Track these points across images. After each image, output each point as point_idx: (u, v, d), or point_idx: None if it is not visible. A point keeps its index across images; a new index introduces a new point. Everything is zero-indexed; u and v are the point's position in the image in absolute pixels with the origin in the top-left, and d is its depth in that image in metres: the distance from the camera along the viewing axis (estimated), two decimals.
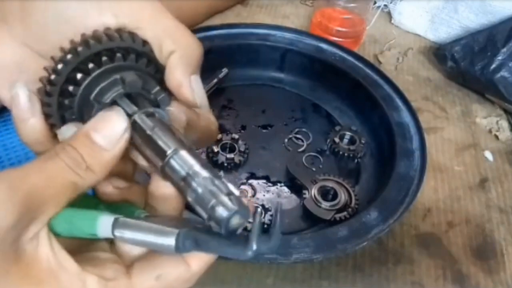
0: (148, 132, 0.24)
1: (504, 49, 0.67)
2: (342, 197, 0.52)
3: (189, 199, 0.23)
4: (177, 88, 0.27)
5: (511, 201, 0.58)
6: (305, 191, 0.52)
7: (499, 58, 0.67)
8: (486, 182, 0.60)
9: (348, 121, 0.64)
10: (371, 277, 0.49)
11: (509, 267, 0.51)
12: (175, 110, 0.27)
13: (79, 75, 0.25)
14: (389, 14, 0.87)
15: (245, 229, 0.23)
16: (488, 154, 0.64)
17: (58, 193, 0.22)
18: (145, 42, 0.27)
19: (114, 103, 0.26)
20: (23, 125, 0.26)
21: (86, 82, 0.25)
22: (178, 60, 0.27)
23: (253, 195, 0.54)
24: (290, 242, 0.43)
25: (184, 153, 0.23)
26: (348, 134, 0.60)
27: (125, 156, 0.26)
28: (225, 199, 0.22)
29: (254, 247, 0.22)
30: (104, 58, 0.25)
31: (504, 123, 0.69)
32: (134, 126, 0.25)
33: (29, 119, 0.25)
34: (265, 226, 0.49)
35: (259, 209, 0.24)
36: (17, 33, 0.27)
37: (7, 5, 0.26)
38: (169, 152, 0.23)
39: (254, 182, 0.55)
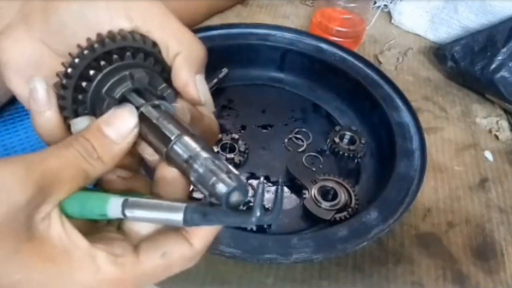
0: (154, 121, 0.26)
1: (504, 49, 0.67)
2: (342, 197, 0.52)
3: (192, 179, 0.25)
4: (183, 87, 0.29)
5: (511, 201, 0.58)
6: (305, 191, 0.52)
7: (499, 58, 0.67)
8: (486, 182, 0.60)
9: (348, 121, 0.64)
10: (371, 277, 0.49)
11: (509, 267, 0.51)
12: (179, 106, 0.29)
13: (91, 72, 0.27)
14: (389, 14, 0.87)
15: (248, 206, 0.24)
16: (488, 154, 0.64)
17: (70, 178, 0.24)
18: (154, 44, 0.29)
19: (123, 97, 0.28)
20: (40, 116, 0.27)
21: (98, 78, 0.27)
22: (183, 61, 0.29)
23: (253, 195, 0.54)
24: (290, 242, 0.43)
25: (187, 139, 0.25)
26: (348, 134, 0.60)
27: (132, 150, 0.28)
28: (224, 176, 0.23)
29: (258, 213, 0.23)
30: (115, 56, 0.27)
31: (504, 123, 0.69)
32: (141, 117, 0.27)
33: (46, 111, 0.27)
34: (265, 226, 0.49)
35: (261, 179, 0.25)
36: (36, 32, 0.28)
37: (30, 5, 0.28)
38: (173, 137, 0.25)
39: (254, 182, 0.55)
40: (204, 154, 0.24)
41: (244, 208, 0.24)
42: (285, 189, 0.55)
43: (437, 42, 0.82)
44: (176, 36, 0.29)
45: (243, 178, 0.24)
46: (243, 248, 0.43)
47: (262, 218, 0.23)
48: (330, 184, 0.53)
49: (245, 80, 0.67)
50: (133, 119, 0.26)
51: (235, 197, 0.23)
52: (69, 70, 0.27)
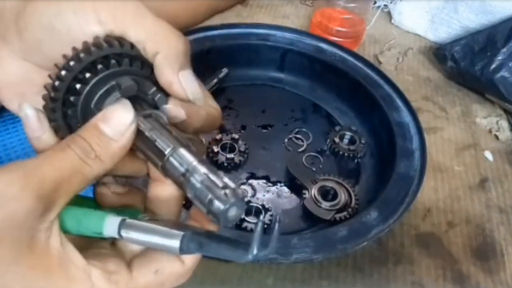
0: (147, 133, 0.26)
1: (504, 49, 0.67)
2: (342, 197, 0.52)
3: (189, 195, 0.24)
4: (169, 87, 0.29)
5: (511, 201, 0.58)
6: (305, 191, 0.52)
7: (499, 58, 0.67)
8: (486, 182, 0.60)
9: (348, 121, 0.64)
10: (371, 277, 0.49)
11: (509, 267, 0.51)
12: (172, 107, 0.28)
13: (78, 85, 0.26)
14: (389, 14, 0.87)
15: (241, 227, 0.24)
16: (488, 154, 0.64)
17: (68, 182, 0.24)
18: (133, 46, 0.28)
19: None
20: (37, 141, 0.28)
21: (85, 91, 0.27)
22: (163, 61, 0.28)
23: (253, 195, 0.54)
24: (290, 242, 0.43)
25: (182, 151, 0.25)
26: (348, 134, 0.60)
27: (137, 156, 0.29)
28: (221, 193, 0.23)
29: (255, 251, 0.23)
30: (99, 66, 0.27)
31: (504, 123, 0.69)
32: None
33: (42, 135, 0.27)
34: (265, 226, 0.49)
35: (261, 217, 0.25)
36: (16, 49, 0.28)
37: (4, 26, 0.28)
38: (167, 151, 0.25)
39: (254, 182, 0.55)
40: (201, 168, 0.24)
41: (243, 238, 0.25)
42: (285, 189, 0.55)
43: (437, 42, 0.82)
44: (151, 36, 0.28)
45: (240, 191, 0.24)
46: None
47: (258, 254, 0.23)
48: (330, 184, 0.53)
49: (245, 80, 0.67)
50: (129, 113, 0.26)
51: (232, 213, 0.23)
52: (52, 94, 0.26)
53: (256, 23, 0.69)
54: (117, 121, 0.26)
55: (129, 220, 0.25)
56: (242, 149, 0.57)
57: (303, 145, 0.60)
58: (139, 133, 0.26)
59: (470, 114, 0.70)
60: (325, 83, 0.66)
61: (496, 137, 0.67)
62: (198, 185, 0.24)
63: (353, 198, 0.52)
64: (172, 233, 0.24)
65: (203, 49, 0.61)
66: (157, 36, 0.28)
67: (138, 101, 0.27)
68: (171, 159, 0.25)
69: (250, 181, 0.55)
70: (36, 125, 0.27)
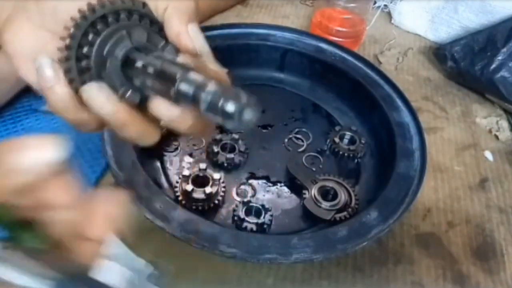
0: (158, 67, 0.25)
1: (504, 49, 0.67)
2: (342, 197, 0.52)
3: (202, 109, 0.23)
4: (177, 38, 0.29)
5: (511, 201, 0.58)
6: (305, 191, 0.52)
7: (499, 58, 0.67)
8: (486, 182, 0.60)
9: (348, 121, 0.64)
10: (371, 277, 0.49)
11: (509, 267, 0.51)
12: (181, 59, 0.28)
13: (90, 36, 0.27)
14: (389, 14, 0.87)
15: None
16: (488, 154, 0.64)
17: None
18: (144, 4, 0.29)
19: (126, 57, 0.27)
20: (50, 92, 0.27)
21: (98, 42, 0.27)
22: (172, 12, 0.28)
23: (253, 195, 0.54)
24: (290, 242, 0.43)
25: (192, 73, 0.24)
26: (348, 134, 0.60)
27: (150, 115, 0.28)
28: (232, 95, 0.22)
29: None
30: (110, 19, 0.27)
31: (504, 123, 0.69)
32: (145, 71, 0.26)
33: (55, 85, 0.27)
34: (265, 226, 0.49)
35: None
36: (34, 19, 0.29)
37: None
38: (178, 76, 0.24)
39: (254, 182, 0.55)
40: (210, 81, 0.23)
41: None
42: (285, 189, 0.55)
43: (437, 42, 0.82)
44: None
45: (252, 97, 0.22)
46: (243, 248, 0.43)
47: None
48: (330, 184, 0.53)
49: (245, 80, 0.67)
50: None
51: (248, 115, 0.22)
52: (68, 41, 0.27)
53: (256, 23, 0.69)
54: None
55: None
56: (242, 149, 0.57)
57: (303, 145, 0.60)
58: (151, 71, 0.26)
59: (470, 114, 0.70)
60: (325, 83, 0.66)
61: (496, 137, 0.67)
62: (209, 96, 0.23)
63: (353, 198, 0.52)
64: (47, 274, 0.22)
65: None
66: None
67: (148, 52, 0.28)
68: (182, 84, 0.24)
69: (250, 181, 0.55)
70: (49, 74, 0.27)
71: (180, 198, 0.50)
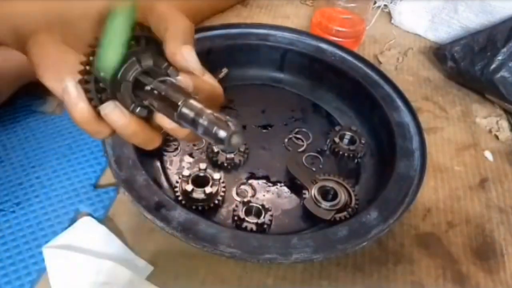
0: (163, 93, 0.30)
1: (504, 49, 0.67)
2: (342, 197, 0.52)
3: (199, 132, 0.28)
4: (173, 57, 0.33)
5: (511, 201, 0.58)
6: (305, 191, 0.52)
7: (499, 58, 0.67)
8: (486, 182, 0.60)
9: (348, 121, 0.64)
10: (371, 277, 0.49)
11: (509, 267, 0.51)
12: (182, 79, 0.33)
13: None
14: (389, 14, 0.87)
15: None
16: (488, 154, 0.64)
17: None
18: (149, 29, 0.34)
19: (135, 79, 0.32)
20: (74, 109, 0.32)
21: None
22: (169, 35, 0.33)
23: (253, 195, 0.54)
24: (290, 242, 0.43)
25: (191, 101, 0.29)
26: (348, 134, 0.60)
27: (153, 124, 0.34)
28: (223, 124, 0.27)
29: None
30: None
31: (504, 123, 0.69)
32: (152, 93, 0.31)
33: (78, 104, 0.32)
34: (265, 226, 0.49)
35: None
36: (57, 36, 0.34)
37: (49, 16, 0.34)
38: (180, 102, 0.29)
39: (254, 182, 0.55)
40: (207, 110, 0.28)
41: None
42: (285, 189, 0.55)
43: (437, 42, 0.82)
44: (162, 16, 0.34)
45: (239, 124, 0.28)
46: (243, 248, 0.42)
47: None
48: (330, 184, 0.53)
49: (245, 80, 0.67)
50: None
51: (235, 140, 0.27)
52: (88, 67, 0.31)
53: (256, 23, 0.69)
54: None
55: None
56: (242, 149, 0.57)
57: (303, 145, 0.60)
58: (156, 95, 0.31)
59: (470, 114, 0.70)
60: (325, 83, 0.66)
61: (496, 137, 0.67)
62: (205, 122, 0.28)
63: (353, 198, 0.52)
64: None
65: (203, 49, 0.61)
66: (167, 18, 0.34)
67: (154, 73, 0.32)
68: (183, 109, 0.29)
69: (250, 181, 0.55)
70: (74, 95, 0.32)
71: (180, 198, 0.50)
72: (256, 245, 0.43)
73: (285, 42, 0.67)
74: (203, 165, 0.51)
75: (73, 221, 0.50)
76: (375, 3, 0.86)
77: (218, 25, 0.67)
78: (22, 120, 0.61)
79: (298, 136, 0.61)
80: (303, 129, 0.62)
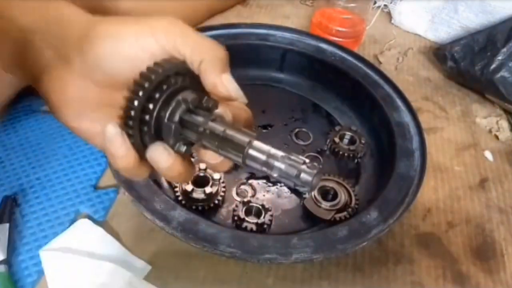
0: (222, 134, 0.29)
1: (504, 49, 0.67)
2: (342, 197, 0.52)
3: (274, 175, 0.28)
4: (214, 89, 0.32)
5: (511, 201, 0.58)
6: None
7: (499, 58, 0.67)
8: (486, 182, 0.60)
9: (348, 121, 0.64)
10: (371, 277, 0.49)
11: (509, 267, 0.51)
12: (222, 110, 0.32)
13: (150, 105, 0.30)
14: (389, 14, 0.87)
15: None
16: (488, 154, 0.64)
17: None
18: (184, 63, 0.32)
19: (181, 119, 0.31)
20: (120, 158, 0.30)
21: (157, 109, 0.31)
22: (207, 66, 0.32)
23: (253, 195, 0.54)
24: (290, 242, 0.43)
25: (256, 143, 0.29)
26: (348, 134, 0.60)
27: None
28: (304, 167, 0.28)
29: None
30: (164, 87, 0.30)
31: (504, 123, 0.69)
32: (206, 134, 0.30)
33: (125, 152, 0.30)
34: (265, 226, 0.49)
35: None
36: (76, 70, 0.31)
37: (65, 47, 0.31)
38: (246, 144, 0.29)
39: (254, 182, 0.55)
40: (279, 153, 0.28)
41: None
42: (285, 189, 0.55)
43: (437, 42, 0.82)
44: (196, 48, 0.32)
45: (314, 163, 0.28)
46: (243, 248, 0.43)
47: None
48: (330, 184, 0.53)
49: (245, 80, 0.67)
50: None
51: (315, 181, 0.28)
52: (132, 112, 0.30)
53: (256, 23, 0.69)
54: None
55: None
56: None
57: (303, 145, 0.60)
58: (214, 135, 0.30)
59: (470, 114, 0.70)
60: (325, 83, 0.66)
61: (496, 137, 0.67)
62: (282, 166, 0.28)
63: (353, 198, 0.52)
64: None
65: None
66: (201, 48, 0.32)
67: (197, 110, 0.31)
68: (251, 151, 0.29)
69: (250, 181, 0.55)
70: (120, 142, 0.30)
71: (180, 198, 0.50)
72: (256, 245, 0.43)
73: (285, 42, 0.67)
74: (203, 165, 0.51)
75: (73, 222, 0.50)
76: (375, 3, 0.86)
77: (218, 25, 0.67)
78: (22, 120, 0.61)
79: (298, 136, 0.61)
80: (303, 129, 0.62)
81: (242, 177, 0.56)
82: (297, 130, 0.62)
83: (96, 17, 0.32)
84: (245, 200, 0.50)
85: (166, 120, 0.31)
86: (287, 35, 0.68)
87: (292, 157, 0.28)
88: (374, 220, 0.47)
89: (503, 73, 0.67)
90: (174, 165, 0.31)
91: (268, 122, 0.63)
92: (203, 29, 0.65)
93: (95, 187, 0.54)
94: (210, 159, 0.32)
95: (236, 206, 0.50)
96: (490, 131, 0.68)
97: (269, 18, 0.84)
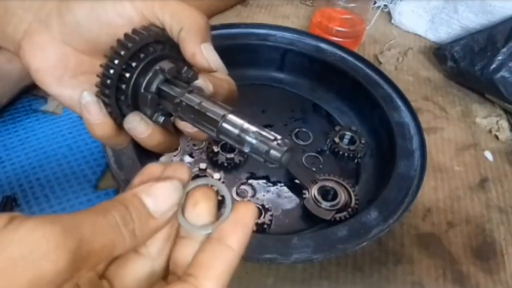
0: (197, 107, 0.29)
1: (504, 49, 0.67)
2: (342, 197, 0.52)
3: (246, 150, 0.28)
4: (193, 58, 0.31)
5: (511, 201, 0.58)
6: (305, 191, 0.52)
7: (499, 58, 0.67)
8: (486, 182, 0.60)
9: (348, 121, 0.64)
10: (371, 277, 0.49)
11: (509, 267, 0.51)
12: (201, 81, 0.31)
13: (127, 74, 0.30)
14: (389, 14, 0.87)
15: None
16: (488, 154, 0.64)
17: (98, 255, 0.22)
18: (163, 30, 0.31)
19: (159, 89, 0.30)
20: (96, 125, 0.30)
21: (133, 78, 0.30)
22: (186, 35, 0.31)
23: (253, 195, 0.54)
24: (290, 242, 0.43)
25: (231, 116, 0.28)
26: (348, 134, 0.60)
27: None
28: (274, 144, 0.27)
29: None
30: (142, 55, 0.30)
31: (504, 123, 0.69)
32: (182, 105, 0.29)
33: (101, 120, 0.30)
34: (265, 226, 0.49)
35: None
36: (55, 34, 0.31)
37: (44, 10, 0.31)
38: (219, 118, 0.28)
39: (254, 182, 0.55)
40: (252, 128, 0.28)
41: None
42: (285, 189, 0.55)
43: (437, 42, 0.82)
44: (175, 15, 0.31)
45: (287, 141, 0.28)
46: None
47: None
48: (330, 184, 0.53)
49: (245, 80, 0.67)
50: (177, 195, 0.25)
51: (285, 157, 0.27)
52: (108, 81, 0.30)
53: (256, 23, 0.69)
54: (163, 199, 0.24)
55: None
56: None
57: (303, 145, 0.60)
58: (188, 108, 0.29)
59: (470, 114, 0.70)
60: (325, 83, 0.66)
61: (496, 137, 0.67)
62: (254, 141, 0.27)
63: (353, 198, 0.52)
64: None
65: None
66: (180, 15, 0.31)
67: (175, 80, 0.31)
68: (224, 124, 0.28)
69: (250, 181, 0.55)
70: (96, 110, 0.30)
71: None
72: (256, 245, 0.43)
73: (285, 42, 0.67)
74: (203, 165, 0.51)
75: None
76: (375, 3, 0.86)
77: (218, 25, 0.67)
78: (22, 120, 0.61)
79: (298, 136, 0.61)
80: (303, 129, 0.62)
81: (242, 177, 0.56)
82: (297, 130, 0.62)
83: None
84: (245, 200, 0.50)
85: (142, 90, 0.31)
86: (287, 35, 0.68)
87: (264, 133, 0.28)
88: (374, 220, 0.47)
89: (503, 73, 0.67)
90: (152, 135, 0.31)
91: (268, 122, 0.63)
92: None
93: (95, 188, 0.54)
94: (187, 127, 0.32)
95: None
96: (490, 131, 0.68)
97: (269, 18, 0.84)
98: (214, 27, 0.66)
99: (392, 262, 0.50)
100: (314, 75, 0.67)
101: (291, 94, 0.67)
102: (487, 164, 0.63)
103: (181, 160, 0.56)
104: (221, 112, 0.28)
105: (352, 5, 0.75)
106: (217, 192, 0.27)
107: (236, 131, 0.28)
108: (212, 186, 0.27)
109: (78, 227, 0.21)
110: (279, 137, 0.28)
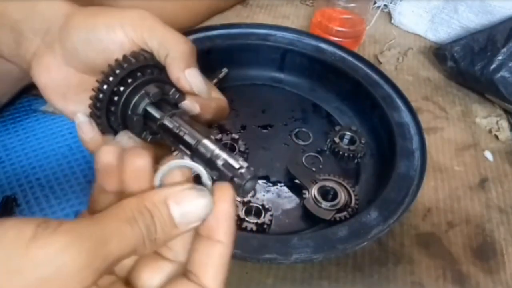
0: (175, 130, 0.31)
1: (504, 49, 0.67)
2: (342, 197, 0.52)
3: (214, 174, 0.29)
4: (177, 82, 0.34)
5: (511, 201, 0.58)
6: (305, 191, 0.52)
7: (499, 58, 0.67)
8: (486, 182, 0.60)
9: (348, 121, 0.64)
10: (371, 277, 0.49)
11: (509, 267, 0.51)
12: (188, 103, 0.34)
13: (115, 98, 0.33)
14: (389, 14, 0.87)
15: None
16: (488, 154, 0.64)
17: (118, 259, 0.22)
18: (152, 55, 0.34)
19: (145, 111, 0.33)
20: (89, 143, 0.34)
21: (122, 101, 0.33)
22: (171, 60, 0.34)
23: (253, 195, 0.54)
24: (290, 242, 0.43)
25: (205, 142, 0.30)
26: (348, 134, 0.60)
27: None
28: (238, 172, 0.28)
29: None
30: (129, 80, 0.33)
31: (504, 123, 0.69)
32: (164, 127, 0.32)
33: (93, 137, 0.34)
34: (265, 226, 0.49)
35: None
36: (59, 57, 0.35)
37: (50, 37, 0.35)
38: (193, 143, 0.30)
39: None
40: (222, 155, 0.29)
41: None
42: (285, 189, 0.55)
43: (437, 42, 0.82)
44: (162, 40, 0.34)
45: (252, 169, 0.29)
46: (243, 248, 0.42)
47: None
48: (330, 184, 0.53)
49: (245, 80, 0.67)
50: (206, 212, 0.25)
51: (248, 185, 0.28)
52: (98, 104, 0.33)
53: (256, 23, 0.69)
54: (192, 214, 0.25)
55: None
56: (242, 149, 0.57)
57: (303, 145, 0.60)
58: (168, 131, 0.32)
59: (470, 114, 0.70)
60: (325, 83, 0.66)
61: (496, 137, 0.67)
62: (221, 168, 0.29)
63: (353, 198, 0.52)
64: None
65: (203, 49, 0.61)
66: (167, 42, 0.34)
67: (162, 102, 0.33)
68: (199, 147, 0.30)
69: None
70: (88, 128, 0.34)
71: None
72: (256, 245, 0.43)
73: (285, 42, 0.67)
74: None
75: None
76: (375, 3, 0.86)
77: (218, 25, 0.67)
78: (22, 120, 0.61)
79: (298, 136, 0.61)
80: (303, 129, 0.62)
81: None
82: (297, 130, 0.62)
83: (76, 8, 0.35)
84: (245, 200, 0.50)
85: (129, 112, 0.34)
86: (287, 35, 0.68)
87: (231, 161, 0.29)
88: (374, 220, 0.47)
89: (503, 73, 0.67)
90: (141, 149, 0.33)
91: (268, 122, 0.63)
92: (203, 29, 0.65)
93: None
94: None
95: (236, 206, 0.50)
96: (490, 131, 0.68)
97: (269, 18, 0.84)
98: (214, 27, 0.66)
99: (392, 262, 0.50)
100: (314, 75, 0.67)
101: (291, 94, 0.67)
102: (487, 164, 0.63)
103: None
104: (197, 137, 0.31)
105: (352, 5, 0.75)
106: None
107: (208, 155, 0.30)
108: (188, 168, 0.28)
109: (106, 242, 0.21)
110: (245, 165, 0.29)
